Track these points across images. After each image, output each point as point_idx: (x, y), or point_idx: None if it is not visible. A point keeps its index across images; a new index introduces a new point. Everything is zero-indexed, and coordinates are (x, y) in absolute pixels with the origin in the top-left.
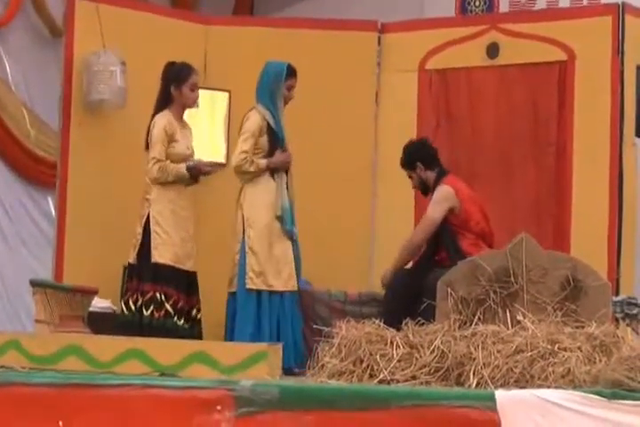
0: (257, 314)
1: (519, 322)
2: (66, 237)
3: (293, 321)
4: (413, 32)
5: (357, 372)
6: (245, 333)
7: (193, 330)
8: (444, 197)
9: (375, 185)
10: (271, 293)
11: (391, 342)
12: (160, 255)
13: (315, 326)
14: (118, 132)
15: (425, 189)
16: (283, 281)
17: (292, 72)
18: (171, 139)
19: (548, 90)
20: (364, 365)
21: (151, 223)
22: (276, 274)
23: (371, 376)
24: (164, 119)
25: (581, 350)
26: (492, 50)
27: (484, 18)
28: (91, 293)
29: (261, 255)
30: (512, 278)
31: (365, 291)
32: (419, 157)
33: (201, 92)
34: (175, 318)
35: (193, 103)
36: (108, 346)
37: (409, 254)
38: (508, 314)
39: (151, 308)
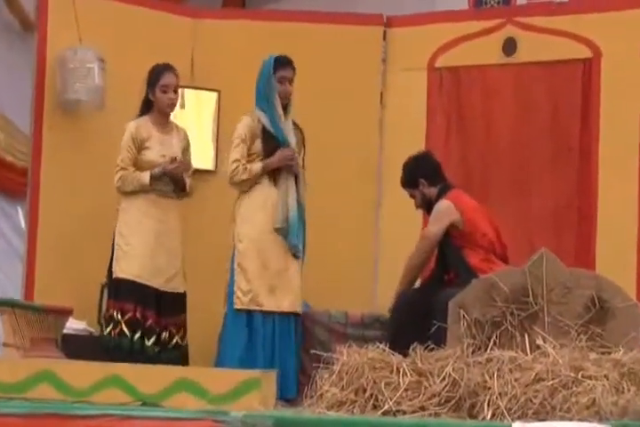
0: (249, 337)
1: (539, 347)
2: (37, 252)
3: (291, 346)
4: (422, 26)
5: (360, 402)
6: (233, 357)
7: (168, 355)
8: (441, 212)
9: (380, 195)
10: (264, 313)
11: (397, 370)
12: (121, 270)
13: (313, 351)
14: (96, 135)
15: (429, 208)
16: (277, 301)
17: (282, 62)
18: (140, 146)
19: (570, 90)
20: (367, 394)
21: (115, 235)
22: (268, 293)
23: (374, 407)
24: (133, 125)
25: (608, 379)
26: (509, 46)
27: (500, 11)
28: (65, 313)
29: (251, 272)
30: (531, 299)
31: (369, 312)
32: (421, 172)
33: (187, 91)
34: (137, 338)
35: (167, 107)
36: (83, 372)
37: (411, 276)
38: (526, 338)
39: (110, 327)
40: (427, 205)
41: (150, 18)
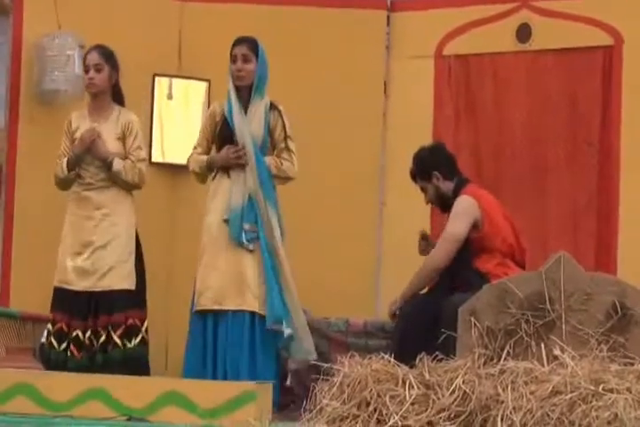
0: (203, 341)
1: (556, 358)
2: (12, 256)
3: (252, 352)
4: (429, 10)
5: (363, 417)
6: (188, 363)
7: (101, 358)
8: (464, 208)
9: (383, 193)
10: (216, 314)
11: (403, 382)
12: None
13: (312, 362)
14: None
15: (443, 204)
16: (226, 299)
17: (235, 41)
18: (72, 138)
19: (589, 80)
20: (371, 408)
21: None
22: (218, 291)
23: (378, 422)
24: (71, 115)
25: (631, 392)
26: (523, 32)
27: None
28: (42, 321)
29: (203, 270)
30: (548, 305)
31: (371, 320)
32: (435, 164)
33: (175, 81)
34: (61, 348)
35: (86, 87)
36: (63, 384)
37: (426, 278)
38: (542, 348)
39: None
40: (439, 201)
41: (133, 1)
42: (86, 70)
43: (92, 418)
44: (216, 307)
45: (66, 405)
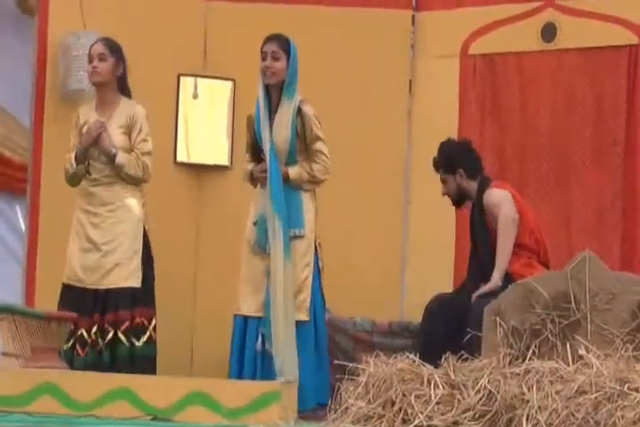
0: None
1: (581, 357)
2: (38, 255)
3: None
4: (454, 10)
5: (388, 416)
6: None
7: (106, 358)
8: (505, 197)
9: (408, 192)
10: (246, 318)
11: (428, 381)
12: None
13: (336, 362)
14: None
15: (460, 200)
16: (247, 305)
17: (266, 38)
18: (80, 129)
19: (614, 79)
20: (396, 408)
21: None
22: (245, 296)
23: (404, 422)
24: (79, 110)
25: None
26: (548, 31)
27: None
28: (68, 320)
29: (241, 274)
30: (573, 305)
31: (397, 320)
32: (461, 161)
33: (200, 81)
34: (67, 346)
35: (89, 76)
36: (88, 384)
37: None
38: (568, 348)
39: None
40: (457, 196)
41: (159, 0)
42: (90, 60)
43: (117, 418)
44: (246, 313)
45: (91, 404)
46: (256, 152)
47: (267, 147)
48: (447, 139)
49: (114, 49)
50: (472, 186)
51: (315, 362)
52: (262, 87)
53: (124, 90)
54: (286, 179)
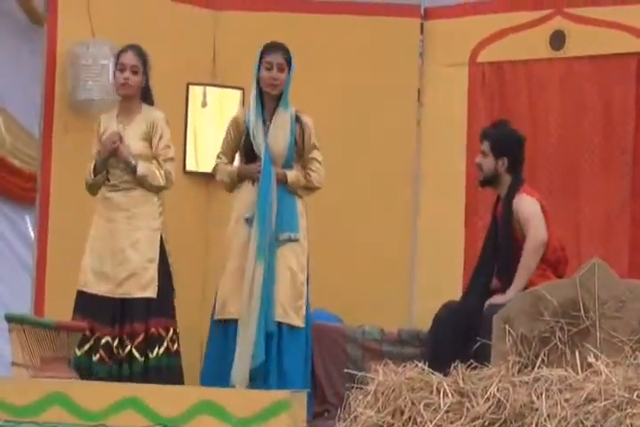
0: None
1: (590, 365)
2: (47, 264)
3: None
4: (462, 18)
5: (397, 425)
6: (205, 371)
7: (126, 371)
8: (536, 211)
9: (418, 201)
10: (235, 322)
11: (437, 390)
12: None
13: (346, 371)
14: None
15: (488, 181)
16: (237, 307)
17: (268, 47)
18: (101, 137)
19: (623, 87)
20: (406, 417)
21: None
22: (233, 298)
23: None
24: (100, 117)
25: None
26: (557, 39)
27: (548, 1)
28: (78, 330)
29: (224, 276)
30: (582, 313)
31: (406, 328)
32: (511, 153)
33: (209, 89)
34: (81, 351)
35: (118, 88)
36: (98, 394)
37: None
38: (577, 355)
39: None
40: (486, 178)
41: (168, 10)
42: (121, 69)
43: None
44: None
45: (101, 414)
46: (246, 154)
47: (261, 150)
48: (506, 122)
49: (145, 59)
50: (506, 179)
51: (303, 370)
52: (257, 96)
53: (147, 98)
54: (284, 181)
